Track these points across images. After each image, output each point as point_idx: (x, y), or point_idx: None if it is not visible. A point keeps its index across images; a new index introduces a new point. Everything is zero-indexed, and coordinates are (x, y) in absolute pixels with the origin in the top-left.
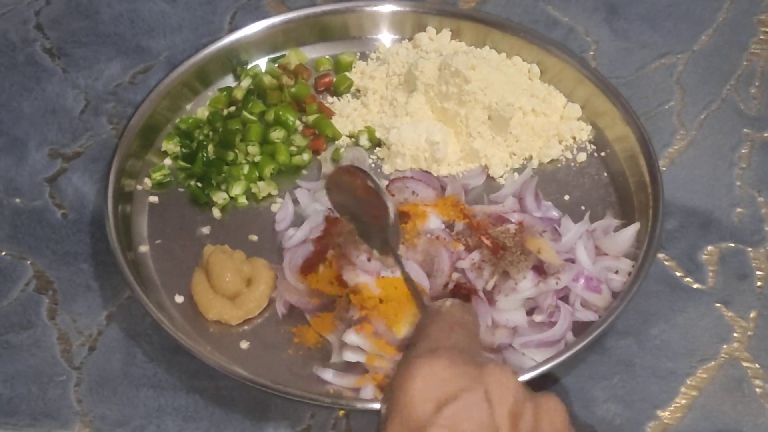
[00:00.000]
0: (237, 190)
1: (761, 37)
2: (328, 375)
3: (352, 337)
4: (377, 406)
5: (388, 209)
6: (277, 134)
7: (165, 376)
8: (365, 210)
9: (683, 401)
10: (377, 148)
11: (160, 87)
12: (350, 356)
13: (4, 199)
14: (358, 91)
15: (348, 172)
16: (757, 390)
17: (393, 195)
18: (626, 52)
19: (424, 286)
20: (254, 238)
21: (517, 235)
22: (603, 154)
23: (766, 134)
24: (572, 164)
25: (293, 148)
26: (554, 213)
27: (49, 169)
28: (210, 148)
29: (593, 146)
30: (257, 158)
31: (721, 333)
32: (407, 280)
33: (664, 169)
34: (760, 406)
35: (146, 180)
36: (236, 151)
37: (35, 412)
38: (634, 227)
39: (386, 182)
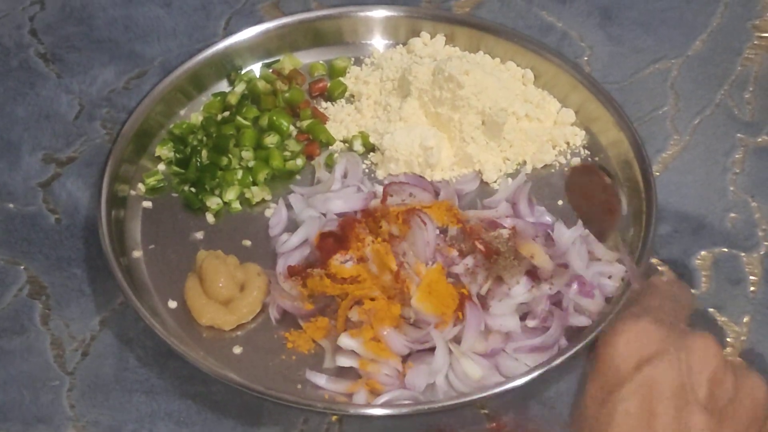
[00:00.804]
0: (231, 195)
1: (755, 42)
2: (321, 380)
3: (346, 340)
4: (370, 411)
5: (622, 203)
6: (271, 139)
7: (158, 381)
8: (599, 206)
9: None
10: (371, 153)
11: (154, 92)
12: (343, 361)
13: None
14: (352, 96)
15: (586, 169)
16: None
17: (391, 196)
18: (620, 57)
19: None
20: (248, 243)
21: (510, 240)
22: (597, 159)
23: (759, 139)
24: (566, 169)
25: (287, 154)
26: (548, 218)
27: (42, 174)
28: (204, 153)
29: (587, 151)
30: (251, 163)
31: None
32: (630, 265)
33: (657, 174)
34: None
35: (140, 185)
36: (230, 156)
37: (28, 417)
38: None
39: (381, 186)
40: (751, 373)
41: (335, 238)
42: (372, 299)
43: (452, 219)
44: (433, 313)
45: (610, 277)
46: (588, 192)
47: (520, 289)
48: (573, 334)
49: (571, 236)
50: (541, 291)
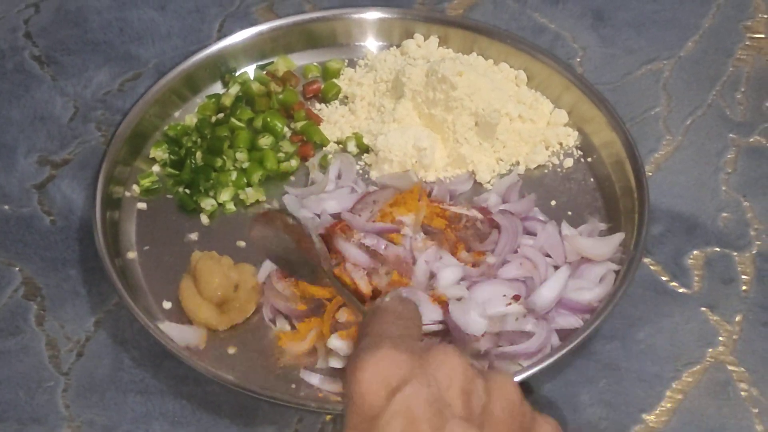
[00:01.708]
0: (225, 196)
1: (747, 43)
2: (314, 379)
3: (335, 342)
4: None
5: (311, 235)
6: (265, 141)
7: (152, 381)
8: (290, 247)
9: (669, 405)
10: (365, 155)
11: (149, 94)
12: (335, 362)
13: None
14: (346, 97)
15: (265, 217)
16: (743, 393)
17: (359, 216)
18: (613, 58)
19: (365, 290)
20: (242, 244)
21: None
22: (589, 159)
23: (751, 139)
24: (559, 170)
25: (281, 155)
26: (540, 217)
27: (37, 176)
28: (198, 154)
29: (580, 152)
30: (245, 165)
31: (707, 337)
32: (344, 294)
33: (650, 174)
34: (745, 409)
35: (134, 186)
36: (224, 157)
37: (23, 417)
38: (619, 236)
39: (375, 187)
40: (497, 373)
41: (325, 241)
42: None
43: (417, 206)
44: None
45: (601, 280)
46: (275, 238)
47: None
48: (566, 333)
49: (557, 235)
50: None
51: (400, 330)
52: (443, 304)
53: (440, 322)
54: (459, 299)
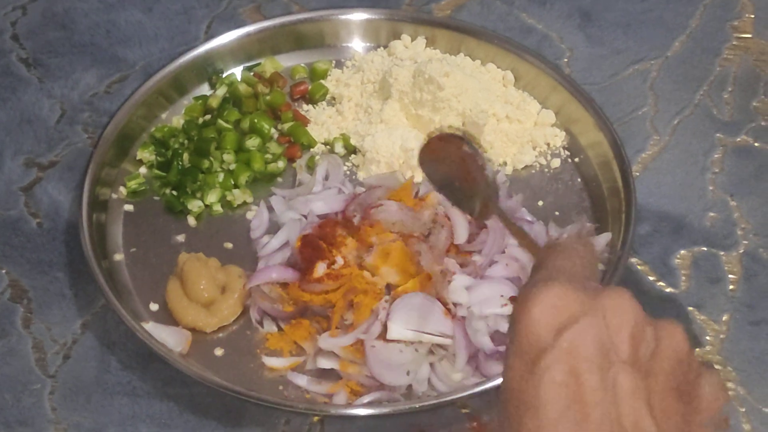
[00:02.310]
0: (212, 198)
1: (734, 42)
2: (302, 381)
3: (328, 341)
4: (352, 411)
5: (485, 167)
6: (252, 142)
7: (139, 383)
8: (460, 176)
9: None
10: (352, 156)
11: (136, 96)
12: (324, 363)
13: None
14: (333, 98)
15: (440, 139)
16: (730, 393)
17: (354, 216)
18: (600, 59)
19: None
20: (229, 245)
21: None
22: (577, 160)
23: (738, 139)
24: (546, 170)
25: (268, 156)
26: (528, 218)
27: (24, 178)
28: (185, 156)
29: (567, 152)
30: (232, 166)
31: (694, 337)
32: (516, 231)
33: (637, 174)
34: (732, 409)
35: (121, 188)
36: (211, 159)
37: (9, 420)
38: (606, 236)
39: (362, 188)
40: (668, 322)
41: (315, 244)
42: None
43: (413, 202)
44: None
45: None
46: (447, 162)
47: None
48: None
49: (544, 235)
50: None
51: (577, 268)
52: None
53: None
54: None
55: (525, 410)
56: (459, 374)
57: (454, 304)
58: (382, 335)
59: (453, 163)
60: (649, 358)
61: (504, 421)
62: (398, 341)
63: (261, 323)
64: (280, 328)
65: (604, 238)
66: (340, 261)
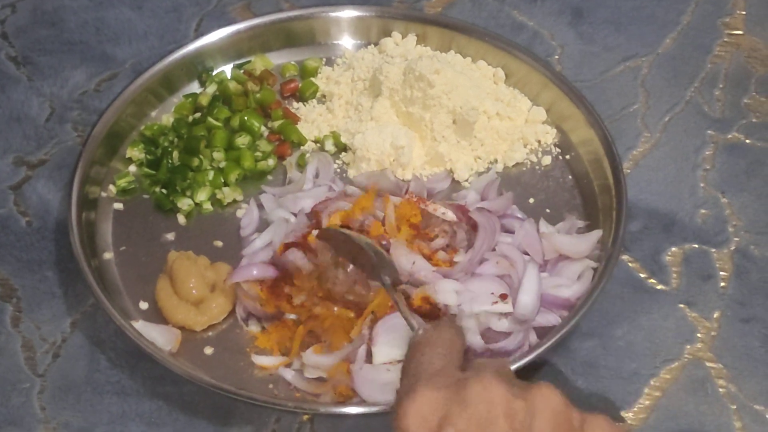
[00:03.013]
0: (202, 196)
1: (725, 39)
2: (289, 375)
3: (312, 357)
4: (341, 410)
5: (371, 257)
6: (242, 140)
7: (129, 382)
8: (357, 257)
9: (647, 402)
10: (343, 153)
11: (125, 94)
12: (311, 372)
13: None
14: (324, 96)
15: (324, 234)
16: (720, 390)
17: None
18: (591, 56)
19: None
20: (219, 243)
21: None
22: (568, 157)
23: (729, 136)
24: (537, 167)
25: (258, 154)
26: (518, 215)
27: (13, 176)
28: (175, 154)
29: (558, 149)
30: (222, 164)
31: (685, 334)
32: (400, 308)
33: (628, 171)
34: (723, 406)
35: (111, 187)
36: (201, 157)
37: None
38: (597, 233)
39: (352, 186)
40: (537, 387)
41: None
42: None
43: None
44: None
45: (579, 277)
46: (340, 249)
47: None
48: (544, 330)
49: (534, 233)
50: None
51: (439, 362)
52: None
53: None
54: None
55: None
56: None
57: (445, 305)
58: (369, 359)
59: (343, 248)
60: (529, 425)
61: None
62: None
63: (246, 321)
64: (264, 328)
65: (595, 235)
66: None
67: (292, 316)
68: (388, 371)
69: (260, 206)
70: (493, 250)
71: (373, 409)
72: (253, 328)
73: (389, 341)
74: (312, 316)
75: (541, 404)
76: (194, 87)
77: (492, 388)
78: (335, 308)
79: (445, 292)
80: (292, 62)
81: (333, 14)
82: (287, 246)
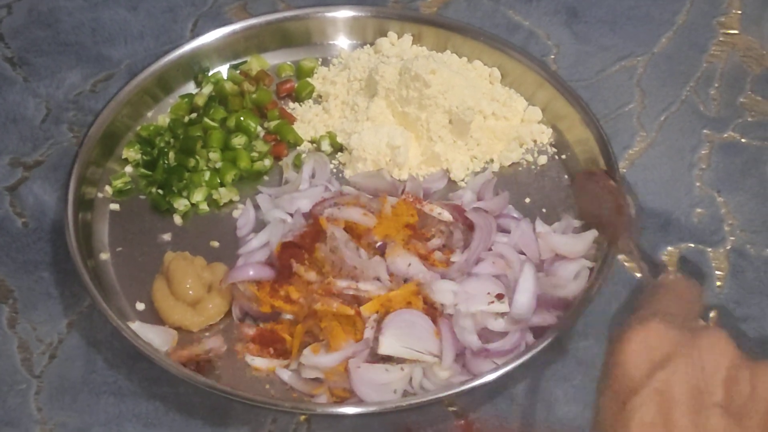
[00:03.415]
0: (198, 196)
1: (720, 39)
2: (285, 375)
3: (309, 358)
4: (338, 410)
5: (628, 205)
6: (238, 140)
7: (125, 383)
8: (605, 207)
9: None
10: (339, 153)
11: (121, 95)
12: (308, 373)
13: None
14: (320, 96)
15: (588, 175)
16: None
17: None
18: (587, 55)
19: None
20: (216, 244)
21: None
22: (563, 156)
23: (725, 135)
24: (533, 167)
25: (254, 154)
26: (514, 215)
27: (9, 177)
28: (171, 155)
29: (554, 149)
30: (218, 164)
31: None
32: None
33: (624, 170)
34: None
35: (107, 188)
36: (197, 157)
37: None
38: (593, 233)
39: (348, 186)
40: (764, 363)
41: (294, 251)
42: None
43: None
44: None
45: (575, 277)
46: (596, 197)
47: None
48: (539, 331)
49: (531, 232)
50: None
51: (678, 308)
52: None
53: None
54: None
55: None
56: (446, 372)
57: (441, 304)
58: (370, 354)
59: (601, 195)
60: (743, 402)
61: None
62: (383, 362)
63: (243, 320)
64: (259, 327)
65: (591, 235)
66: (312, 277)
67: (289, 316)
68: (387, 372)
69: (256, 206)
70: (490, 249)
71: (371, 409)
72: (248, 330)
73: (398, 334)
74: (310, 314)
75: (764, 383)
76: (190, 87)
77: (725, 346)
78: (335, 305)
79: (442, 292)
80: (288, 62)
81: (329, 14)
82: (285, 245)
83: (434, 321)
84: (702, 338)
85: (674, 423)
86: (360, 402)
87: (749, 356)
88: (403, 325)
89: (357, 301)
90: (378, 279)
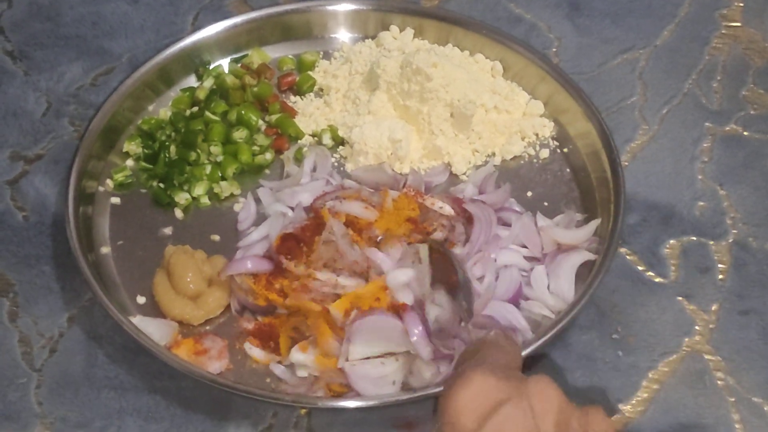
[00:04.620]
0: (199, 190)
1: (723, 31)
2: (278, 370)
3: (297, 356)
4: (339, 404)
5: (457, 272)
6: (239, 134)
7: (126, 377)
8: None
9: (645, 395)
10: (340, 147)
11: (122, 88)
12: (302, 372)
13: None
14: (321, 90)
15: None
16: (719, 382)
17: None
18: (588, 48)
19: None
20: (216, 238)
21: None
22: (565, 150)
23: (727, 128)
24: (535, 161)
25: (256, 148)
26: (516, 208)
27: (10, 171)
28: (172, 148)
29: (556, 142)
30: (220, 158)
31: (683, 326)
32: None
33: (626, 164)
34: (721, 398)
35: (108, 181)
36: (198, 151)
37: None
38: (594, 222)
39: (350, 180)
40: (592, 409)
41: (293, 244)
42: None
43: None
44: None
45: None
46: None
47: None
48: (536, 325)
49: (532, 226)
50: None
51: (502, 359)
52: None
53: None
54: None
55: None
56: (429, 368)
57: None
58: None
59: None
60: None
61: None
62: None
63: (241, 313)
64: (257, 320)
65: (593, 225)
66: (302, 271)
67: (284, 311)
68: (383, 364)
69: (257, 200)
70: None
71: (371, 403)
72: (246, 324)
73: (366, 340)
74: (296, 310)
75: (595, 426)
76: (191, 81)
77: (552, 391)
78: (306, 299)
79: (397, 285)
80: (290, 56)
81: (330, 8)
82: (285, 238)
83: (401, 317)
84: (529, 384)
85: None
86: (359, 396)
87: (574, 402)
88: (369, 331)
89: (337, 297)
90: (367, 273)
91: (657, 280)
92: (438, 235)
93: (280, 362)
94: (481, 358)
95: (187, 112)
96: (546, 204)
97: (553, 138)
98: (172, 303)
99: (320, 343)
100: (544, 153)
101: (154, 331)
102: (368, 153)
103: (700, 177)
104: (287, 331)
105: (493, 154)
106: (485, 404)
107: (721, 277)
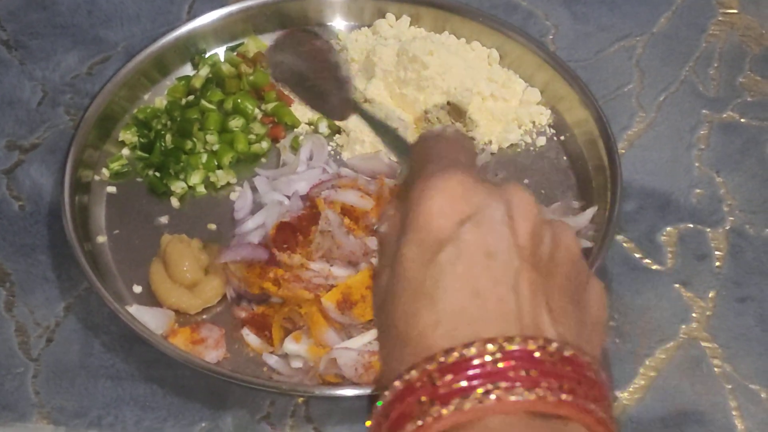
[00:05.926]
0: (195, 179)
1: (720, 18)
2: (271, 360)
3: (290, 346)
4: (337, 392)
5: (339, 63)
6: (235, 123)
7: (123, 366)
8: (315, 75)
9: (642, 382)
10: (336, 135)
11: (118, 77)
12: (296, 362)
13: None
14: None
15: (289, 37)
16: (716, 369)
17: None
18: (585, 36)
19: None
20: (213, 227)
21: None
22: (562, 137)
23: (724, 115)
24: (532, 148)
25: (252, 137)
26: None
27: (6, 161)
28: (168, 137)
29: (553, 130)
30: (216, 147)
31: (680, 314)
32: (381, 130)
33: (623, 151)
34: (718, 385)
35: (104, 170)
36: (194, 140)
37: None
38: (591, 210)
39: (346, 168)
40: (561, 223)
41: (289, 233)
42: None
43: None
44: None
45: None
46: (297, 58)
47: None
48: None
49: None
50: None
51: (466, 159)
52: None
53: None
54: None
55: (422, 302)
56: None
57: None
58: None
59: (305, 60)
60: (548, 259)
61: (396, 316)
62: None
63: (237, 302)
64: (253, 309)
65: (590, 212)
66: (296, 261)
67: (278, 300)
68: (371, 351)
69: (254, 189)
70: None
71: (369, 391)
72: (239, 313)
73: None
74: (289, 300)
75: (564, 240)
76: (187, 69)
77: (531, 199)
78: (297, 288)
79: None
80: None
81: None
82: (281, 227)
83: None
84: (508, 189)
85: (487, 275)
86: (356, 384)
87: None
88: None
89: (330, 288)
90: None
91: (654, 267)
92: None
93: (272, 352)
94: (447, 154)
95: (183, 101)
96: (543, 191)
97: (550, 126)
98: (168, 292)
99: (314, 333)
100: (541, 141)
101: (151, 320)
102: (365, 141)
103: (697, 164)
104: (280, 321)
105: (490, 142)
106: (464, 207)
107: (718, 264)
